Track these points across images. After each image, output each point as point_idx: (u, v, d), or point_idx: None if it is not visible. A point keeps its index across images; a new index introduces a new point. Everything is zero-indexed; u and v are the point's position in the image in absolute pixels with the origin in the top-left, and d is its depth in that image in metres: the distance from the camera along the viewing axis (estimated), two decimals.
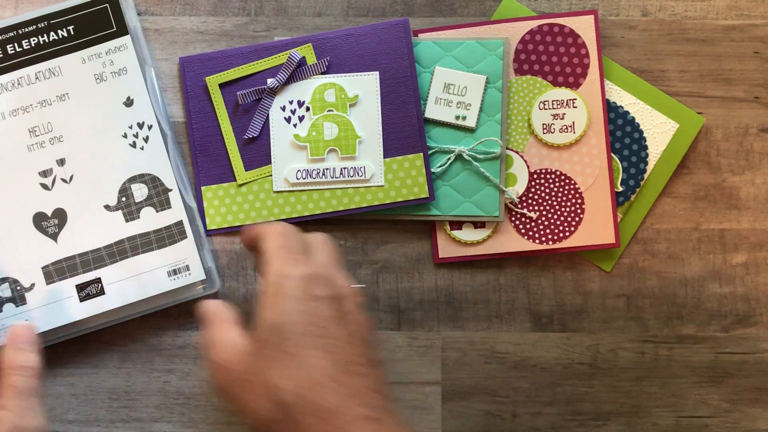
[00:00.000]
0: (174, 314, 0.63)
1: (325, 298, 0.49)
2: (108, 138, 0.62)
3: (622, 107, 0.64)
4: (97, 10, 0.62)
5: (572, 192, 0.64)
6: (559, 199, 0.64)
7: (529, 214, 0.64)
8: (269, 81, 0.63)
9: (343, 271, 0.52)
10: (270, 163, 0.63)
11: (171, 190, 0.62)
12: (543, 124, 0.64)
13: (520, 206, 0.64)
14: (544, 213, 0.64)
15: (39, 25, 0.62)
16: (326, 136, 0.63)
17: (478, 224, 0.64)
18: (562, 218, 0.64)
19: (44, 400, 0.53)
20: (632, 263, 0.64)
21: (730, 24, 0.65)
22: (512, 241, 0.64)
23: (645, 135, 0.64)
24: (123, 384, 0.63)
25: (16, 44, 0.62)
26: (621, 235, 0.64)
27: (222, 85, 0.63)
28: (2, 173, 0.61)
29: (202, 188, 0.63)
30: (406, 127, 0.63)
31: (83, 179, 0.62)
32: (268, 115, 0.63)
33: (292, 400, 0.46)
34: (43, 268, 0.61)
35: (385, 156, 0.63)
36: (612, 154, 0.64)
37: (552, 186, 0.64)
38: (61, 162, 0.62)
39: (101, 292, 0.61)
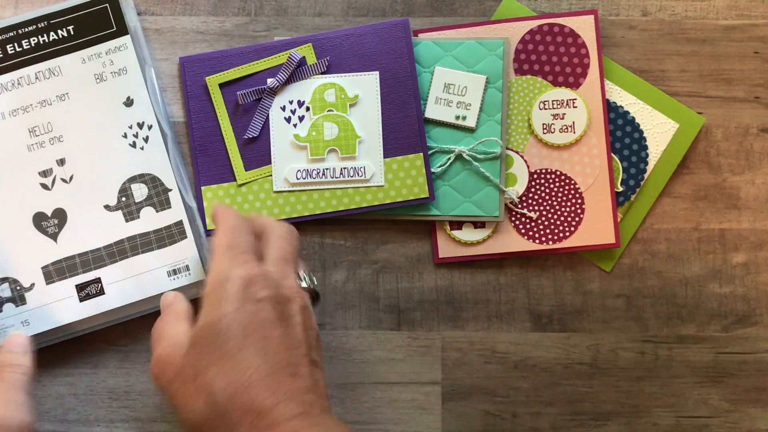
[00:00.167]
0: None
1: (267, 299, 0.49)
2: (108, 138, 0.62)
3: (622, 107, 0.64)
4: (97, 10, 0.62)
5: (572, 192, 0.64)
6: (559, 199, 0.64)
7: (529, 214, 0.64)
8: (269, 81, 0.63)
9: (297, 266, 0.52)
10: (270, 163, 0.63)
11: (171, 190, 0.62)
12: (543, 124, 0.64)
13: (520, 206, 0.64)
14: (544, 213, 0.64)
15: (39, 25, 0.62)
16: (326, 136, 0.63)
17: (478, 224, 0.64)
18: (562, 218, 0.64)
19: (33, 399, 0.53)
20: (632, 263, 0.64)
21: (730, 24, 0.65)
22: (512, 241, 0.64)
23: (645, 135, 0.64)
24: (123, 384, 0.63)
25: (16, 44, 0.62)
26: (621, 235, 0.64)
27: (222, 85, 0.63)
28: (2, 173, 0.61)
29: (202, 188, 0.63)
30: (406, 127, 0.63)
31: (83, 179, 0.62)
32: (268, 115, 0.63)
33: (225, 399, 0.46)
34: (42, 268, 0.61)
35: (385, 156, 0.63)
36: (612, 154, 0.64)
37: (552, 186, 0.64)
38: (61, 162, 0.62)
39: (101, 292, 0.61)
